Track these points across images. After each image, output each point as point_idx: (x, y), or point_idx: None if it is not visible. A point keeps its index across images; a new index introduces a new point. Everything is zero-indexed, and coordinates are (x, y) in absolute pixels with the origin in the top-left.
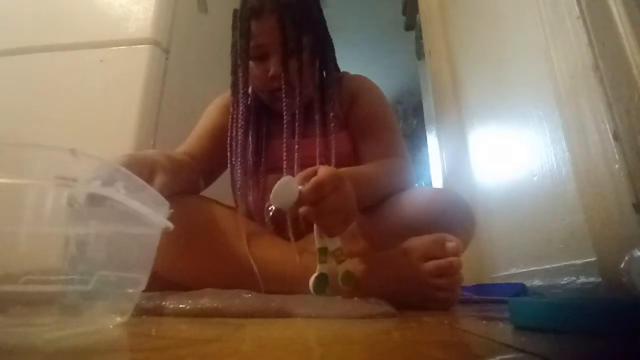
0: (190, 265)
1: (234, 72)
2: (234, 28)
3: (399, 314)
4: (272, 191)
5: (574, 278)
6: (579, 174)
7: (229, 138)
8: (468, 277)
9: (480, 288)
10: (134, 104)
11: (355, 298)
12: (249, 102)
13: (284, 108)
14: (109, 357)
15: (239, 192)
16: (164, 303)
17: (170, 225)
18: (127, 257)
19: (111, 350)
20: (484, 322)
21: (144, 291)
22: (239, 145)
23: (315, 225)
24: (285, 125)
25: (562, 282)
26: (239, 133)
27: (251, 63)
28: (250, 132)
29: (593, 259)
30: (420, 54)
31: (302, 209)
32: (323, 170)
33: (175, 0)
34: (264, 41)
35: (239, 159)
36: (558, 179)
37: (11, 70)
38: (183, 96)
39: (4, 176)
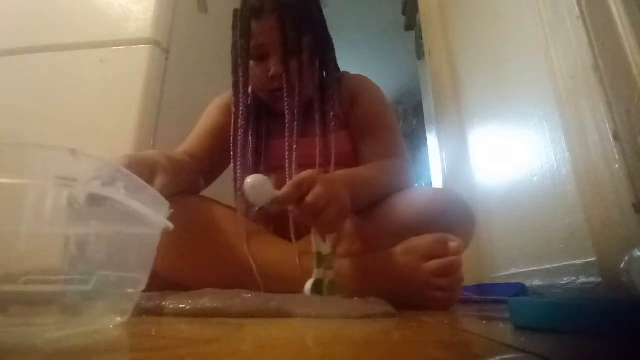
0: (190, 265)
1: (235, 72)
2: (234, 28)
3: (399, 314)
4: (245, 189)
5: (574, 278)
6: (579, 174)
7: (232, 138)
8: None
9: (480, 288)
10: (134, 104)
11: (355, 298)
12: (249, 102)
13: (285, 108)
14: (109, 357)
15: (239, 192)
16: (164, 303)
17: (170, 225)
18: (127, 257)
19: (111, 350)
20: (484, 322)
21: (144, 291)
22: (239, 145)
23: (312, 229)
24: (285, 125)
25: (562, 282)
26: (240, 133)
27: (251, 63)
28: (250, 132)
29: (593, 259)
30: (420, 54)
31: (290, 209)
32: (303, 173)
33: (175, 0)
34: (264, 41)
35: (239, 159)
36: (558, 179)
37: (11, 70)
38: (183, 96)
39: (4, 176)
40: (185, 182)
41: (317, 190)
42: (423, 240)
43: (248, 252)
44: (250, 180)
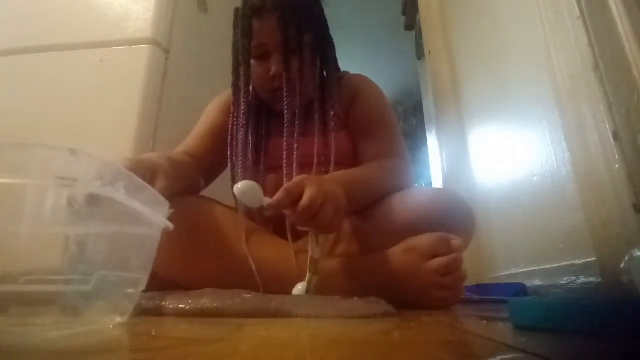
0: (190, 265)
1: (235, 71)
2: (235, 27)
3: (399, 314)
4: (236, 192)
5: (574, 278)
6: (579, 174)
7: (229, 137)
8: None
9: (480, 288)
10: (134, 104)
11: (355, 298)
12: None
13: (285, 107)
14: (109, 357)
15: None
16: (164, 303)
17: (170, 225)
18: (127, 257)
19: (111, 350)
20: (484, 322)
21: (144, 291)
22: (240, 144)
23: (310, 232)
24: (285, 125)
25: (562, 282)
26: (240, 132)
27: (252, 62)
28: (250, 131)
29: (593, 259)
30: (420, 54)
31: (287, 214)
32: (292, 180)
33: (175, 0)
34: (265, 40)
35: (239, 158)
36: (558, 179)
37: (11, 70)
38: (183, 96)
39: (4, 176)
40: (187, 184)
41: (310, 192)
42: (424, 239)
43: (247, 252)
44: (240, 186)
